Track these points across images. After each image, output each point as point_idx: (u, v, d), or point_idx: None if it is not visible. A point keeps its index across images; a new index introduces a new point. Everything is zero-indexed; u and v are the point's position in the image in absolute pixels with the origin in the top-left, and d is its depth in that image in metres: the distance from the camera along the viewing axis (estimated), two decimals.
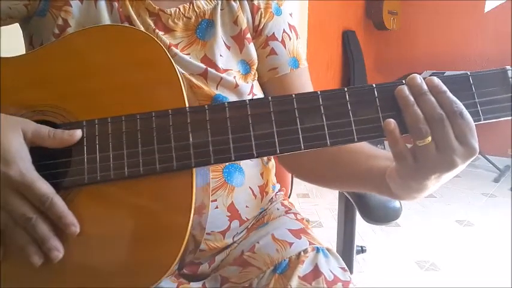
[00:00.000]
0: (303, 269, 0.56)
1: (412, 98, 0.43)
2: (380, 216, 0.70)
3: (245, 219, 0.65)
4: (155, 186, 0.45)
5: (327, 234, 1.54)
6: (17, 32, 0.62)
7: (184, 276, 0.63)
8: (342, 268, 0.58)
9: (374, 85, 0.45)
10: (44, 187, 0.43)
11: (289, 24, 0.69)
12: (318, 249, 0.59)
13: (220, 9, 0.64)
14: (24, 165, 0.43)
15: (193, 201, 0.44)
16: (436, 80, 0.44)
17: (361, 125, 0.44)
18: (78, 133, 0.46)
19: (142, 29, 0.58)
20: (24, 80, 0.50)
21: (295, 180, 0.95)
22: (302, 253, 0.58)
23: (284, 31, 0.68)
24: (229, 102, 0.46)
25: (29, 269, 0.44)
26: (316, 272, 0.56)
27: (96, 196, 0.45)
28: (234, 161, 0.45)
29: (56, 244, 0.44)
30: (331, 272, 0.57)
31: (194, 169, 0.45)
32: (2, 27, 0.59)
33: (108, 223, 0.45)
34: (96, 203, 0.46)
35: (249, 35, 0.65)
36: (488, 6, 3.24)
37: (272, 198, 0.73)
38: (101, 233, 0.45)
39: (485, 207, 2.57)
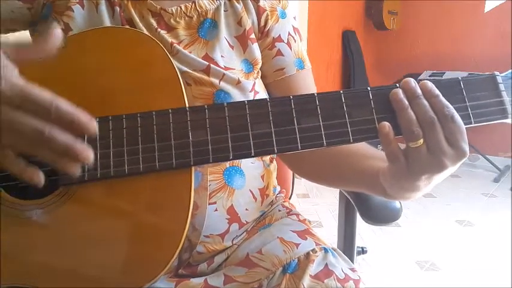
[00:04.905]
0: (313, 268, 0.56)
1: (406, 102, 0.44)
2: (380, 217, 0.70)
3: (244, 222, 0.66)
4: (152, 185, 0.46)
5: (327, 235, 1.54)
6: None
7: (182, 276, 0.63)
8: (351, 269, 0.59)
9: (369, 88, 0.46)
10: (42, 92, 0.38)
11: (293, 27, 0.70)
12: (326, 250, 0.59)
13: (224, 11, 0.64)
14: (12, 76, 0.37)
15: (192, 200, 0.45)
16: (430, 85, 0.45)
17: (356, 126, 0.45)
18: (58, 30, 0.41)
19: (144, 31, 0.59)
20: None
21: (295, 180, 0.95)
22: (311, 253, 0.58)
23: (289, 33, 0.69)
24: (228, 103, 0.47)
25: (27, 268, 0.44)
26: (327, 271, 0.56)
27: (87, 198, 0.46)
28: (232, 160, 0.46)
29: (82, 145, 0.40)
30: (342, 270, 0.57)
31: (193, 168, 0.46)
32: None
33: (102, 223, 0.46)
34: (88, 205, 0.46)
35: (253, 36, 0.65)
36: (488, 6, 3.23)
37: (272, 200, 0.73)
38: (95, 233, 0.45)
39: (485, 207, 2.57)
